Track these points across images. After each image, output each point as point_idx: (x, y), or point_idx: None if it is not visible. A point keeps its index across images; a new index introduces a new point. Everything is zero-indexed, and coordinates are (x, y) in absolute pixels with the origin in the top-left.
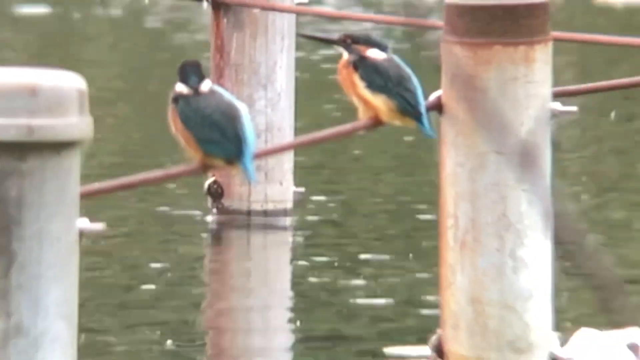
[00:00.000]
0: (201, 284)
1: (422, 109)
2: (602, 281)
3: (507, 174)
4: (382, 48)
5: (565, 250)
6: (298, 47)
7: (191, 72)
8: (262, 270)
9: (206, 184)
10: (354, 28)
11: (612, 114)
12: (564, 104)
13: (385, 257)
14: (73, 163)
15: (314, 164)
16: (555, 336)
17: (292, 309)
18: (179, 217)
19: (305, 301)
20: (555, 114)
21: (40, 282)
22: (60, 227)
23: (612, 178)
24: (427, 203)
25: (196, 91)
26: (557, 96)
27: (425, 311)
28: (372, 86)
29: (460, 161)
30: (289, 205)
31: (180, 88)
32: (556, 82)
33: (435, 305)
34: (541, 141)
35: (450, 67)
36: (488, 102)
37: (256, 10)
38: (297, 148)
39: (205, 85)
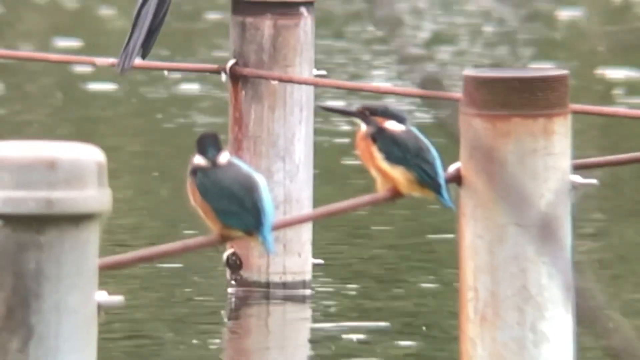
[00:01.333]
0: (219, 356)
1: (441, 181)
2: (624, 354)
3: (527, 247)
4: (401, 120)
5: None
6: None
7: (209, 144)
8: (281, 342)
9: (224, 255)
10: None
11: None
12: (584, 176)
13: (406, 329)
14: (91, 235)
15: (333, 235)
16: None
17: None
18: (198, 289)
19: None
20: (575, 187)
21: (58, 355)
22: (79, 300)
23: (633, 247)
24: (448, 273)
25: (214, 163)
26: (577, 168)
27: None
28: (390, 158)
29: (479, 233)
30: (308, 277)
31: (199, 160)
32: (577, 154)
33: None
34: (561, 214)
35: (469, 139)
36: (507, 175)
37: (274, 82)
38: (316, 220)
39: (224, 157)
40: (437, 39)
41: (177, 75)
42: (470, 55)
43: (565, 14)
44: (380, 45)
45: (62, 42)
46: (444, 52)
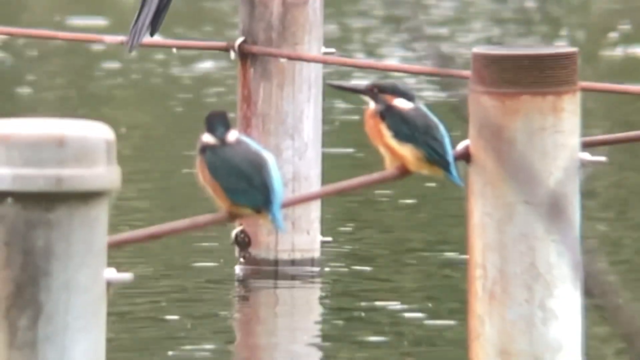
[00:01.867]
0: (228, 334)
1: (450, 158)
2: (632, 332)
3: (536, 225)
4: (409, 97)
5: (595, 301)
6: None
7: (218, 122)
8: (289, 319)
9: (233, 233)
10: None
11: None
12: (592, 153)
13: (415, 307)
14: (101, 213)
15: (342, 213)
16: None
17: None
18: (206, 267)
19: (334, 353)
20: (584, 164)
21: (68, 333)
22: (88, 278)
23: None
24: (455, 252)
25: (223, 141)
26: (586, 146)
27: None
28: (399, 136)
29: (488, 211)
30: (317, 254)
31: (207, 138)
32: (586, 132)
33: (463, 357)
34: (570, 191)
35: (477, 117)
36: (516, 152)
37: (283, 60)
38: (324, 197)
39: (232, 135)
40: (450, 20)
41: (190, 52)
42: (479, 34)
43: None
44: (392, 22)
45: (84, 21)
46: (456, 32)
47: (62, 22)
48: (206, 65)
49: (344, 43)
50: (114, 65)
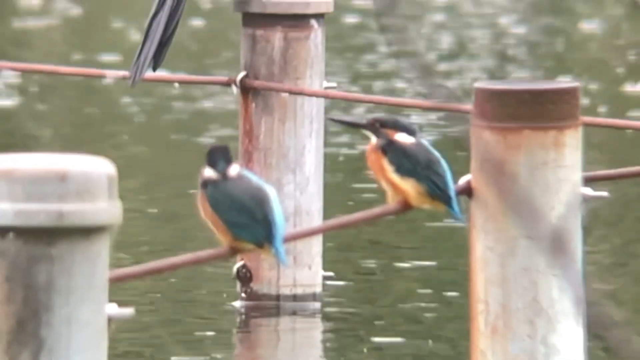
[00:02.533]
0: None
1: (452, 193)
2: None
3: (538, 259)
4: (411, 132)
5: (598, 336)
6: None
7: (219, 156)
8: (290, 355)
9: (235, 268)
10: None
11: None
12: (595, 189)
13: (419, 342)
14: (102, 248)
15: (343, 247)
16: None
17: None
18: (207, 301)
19: None
20: (586, 199)
21: None
22: (90, 312)
23: None
24: (457, 287)
25: (224, 176)
26: (588, 181)
27: None
28: (401, 170)
29: (490, 246)
30: (318, 289)
31: (209, 173)
32: (590, 167)
33: None
34: (572, 226)
35: (479, 152)
36: (518, 187)
37: (285, 95)
38: (326, 232)
39: (234, 170)
40: (452, 54)
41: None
42: (482, 70)
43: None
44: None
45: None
46: (457, 66)
47: (71, 58)
48: (208, 102)
49: (349, 79)
50: (119, 99)
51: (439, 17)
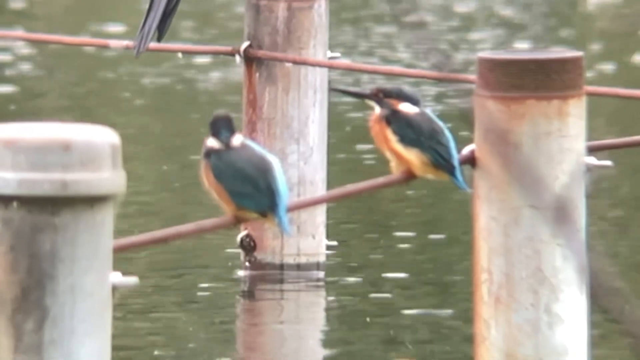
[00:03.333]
0: (234, 339)
1: (456, 163)
2: (638, 335)
3: (542, 229)
4: (414, 102)
5: (601, 305)
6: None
7: (222, 126)
8: (294, 323)
9: (239, 237)
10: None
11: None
12: (599, 158)
13: (420, 310)
14: (106, 217)
15: (347, 217)
16: None
17: None
18: (212, 270)
19: (339, 357)
20: (590, 168)
21: (73, 336)
22: (93, 282)
23: None
24: (460, 257)
25: (227, 145)
26: (592, 150)
27: None
28: (404, 140)
29: (493, 215)
30: (322, 258)
31: (212, 143)
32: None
33: None
34: (575, 195)
35: (483, 121)
36: (522, 157)
37: (288, 65)
38: (330, 202)
39: (237, 140)
40: (463, 25)
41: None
42: (489, 42)
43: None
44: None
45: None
46: (468, 37)
47: (82, 28)
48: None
49: (354, 48)
50: (122, 70)
51: None
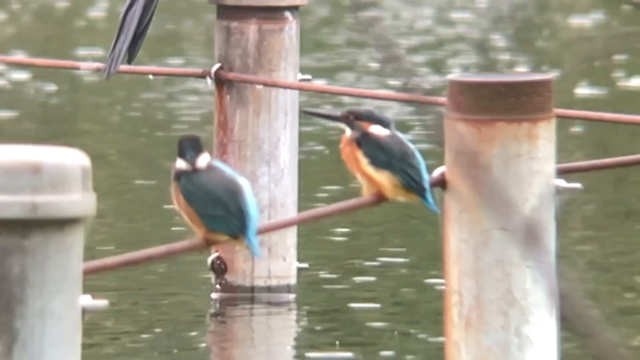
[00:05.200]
0: None
1: (426, 185)
2: (607, 358)
3: (512, 251)
4: (385, 124)
5: (571, 327)
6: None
7: (188, 146)
8: (265, 346)
9: (209, 259)
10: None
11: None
12: (568, 180)
13: (392, 333)
14: (76, 240)
15: (318, 239)
16: None
17: None
18: (182, 293)
19: None
20: (559, 191)
21: None
22: (63, 305)
23: (618, 253)
24: (432, 277)
25: (193, 165)
26: (562, 173)
27: None
28: (375, 162)
29: (464, 237)
30: (293, 281)
31: (180, 164)
32: (565, 158)
33: None
34: (545, 218)
35: (453, 144)
36: (492, 179)
37: (259, 87)
38: (301, 224)
39: (203, 159)
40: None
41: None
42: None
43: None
44: (365, 49)
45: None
46: (440, 57)
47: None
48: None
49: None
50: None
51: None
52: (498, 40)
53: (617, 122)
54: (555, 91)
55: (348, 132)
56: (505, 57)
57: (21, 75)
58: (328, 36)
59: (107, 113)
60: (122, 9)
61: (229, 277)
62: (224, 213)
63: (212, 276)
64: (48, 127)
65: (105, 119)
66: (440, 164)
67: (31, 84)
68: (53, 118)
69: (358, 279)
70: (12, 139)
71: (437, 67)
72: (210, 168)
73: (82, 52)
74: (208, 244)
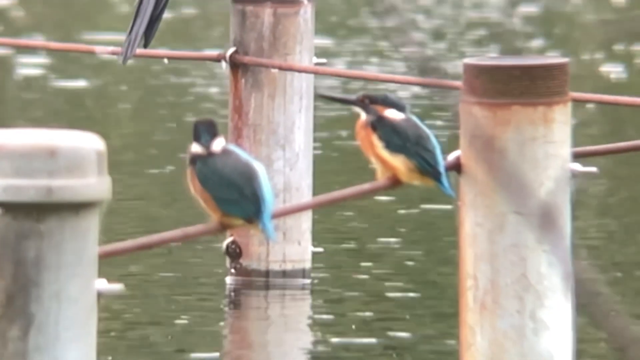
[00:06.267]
0: (218, 345)
1: (442, 169)
2: (622, 342)
3: (527, 235)
4: (400, 108)
5: (586, 311)
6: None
7: (203, 130)
8: (280, 330)
9: (224, 244)
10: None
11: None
12: (584, 164)
13: (406, 317)
14: (91, 223)
15: (333, 223)
16: None
17: None
18: (197, 277)
19: None
20: (575, 175)
21: (59, 343)
22: (79, 288)
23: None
24: (448, 263)
25: (208, 149)
26: (577, 156)
27: None
28: (390, 146)
29: (479, 221)
30: (308, 265)
31: (195, 148)
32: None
33: None
34: (561, 202)
35: (469, 128)
36: (507, 163)
37: (274, 71)
38: (315, 208)
39: (218, 143)
40: (440, 33)
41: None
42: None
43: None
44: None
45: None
46: (449, 43)
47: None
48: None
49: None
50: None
51: None
52: (522, 23)
53: (633, 105)
54: (585, 76)
55: (363, 115)
56: (530, 43)
57: (38, 59)
58: (345, 19)
59: (124, 97)
60: None
61: (244, 261)
62: (239, 197)
63: (227, 260)
64: (65, 112)
65: (122, 103)
66: (456, 147)
67: (48, 68)
68: (72, 103)
69: (373, 263)
70: (27, 124)
71: (458, 51)
72: (225, 152)
73: (98, 36)
74: (223, 227)
